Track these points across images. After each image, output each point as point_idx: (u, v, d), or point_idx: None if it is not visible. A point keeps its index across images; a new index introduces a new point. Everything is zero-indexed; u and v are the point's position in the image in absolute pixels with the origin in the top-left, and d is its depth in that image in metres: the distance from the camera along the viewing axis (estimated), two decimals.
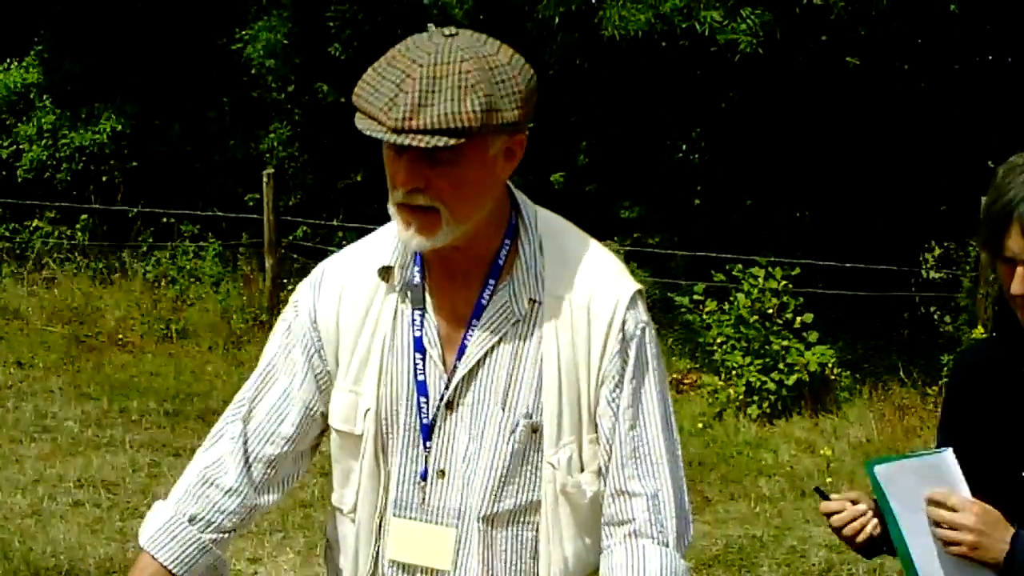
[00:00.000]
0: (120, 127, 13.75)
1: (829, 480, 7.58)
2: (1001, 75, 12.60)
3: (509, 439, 2.16)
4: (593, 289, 2.18)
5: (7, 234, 13.18)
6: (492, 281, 2.18)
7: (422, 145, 1.98)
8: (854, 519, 2.49)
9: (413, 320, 2.20)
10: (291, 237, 12.04)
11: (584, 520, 2.20)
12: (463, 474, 2.18)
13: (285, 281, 11.31)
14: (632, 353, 2.17)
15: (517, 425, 2.16)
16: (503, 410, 2.16)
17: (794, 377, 8.72)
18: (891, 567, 6.30)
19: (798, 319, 8.93)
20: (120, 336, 10.54)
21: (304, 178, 13.70)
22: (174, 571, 2.25)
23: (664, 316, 11.20)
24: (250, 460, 2.32)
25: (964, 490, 2.36)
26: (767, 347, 8.81)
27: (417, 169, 2.04)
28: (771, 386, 8.71)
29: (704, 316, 9.23)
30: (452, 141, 1.99)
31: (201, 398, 9.04)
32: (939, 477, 2.36)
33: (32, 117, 14.11)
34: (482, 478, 2.17)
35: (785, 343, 8.81)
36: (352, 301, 2.24)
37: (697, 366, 9.73)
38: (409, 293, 2.21)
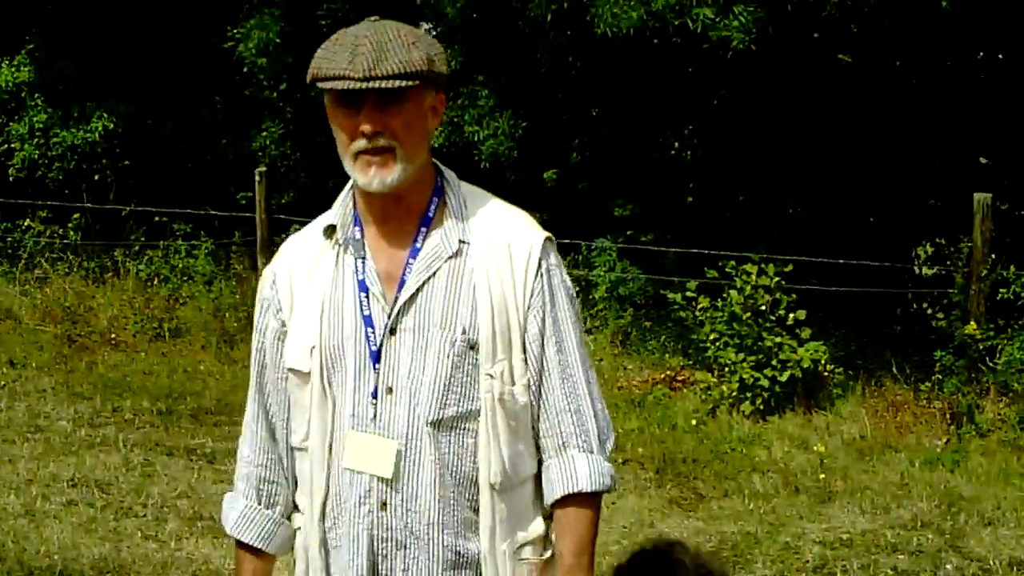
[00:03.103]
0: (112, 126, 13.73)
1: (822, 476, 7.59)
2: (993, 72, 12.62)
3: (449, 353, 2.54)
4: (511, 235, 2.60)
5: None
6: (424, 229, 2.59)
7: (389, 86, 2.45)
8: None
9: (356, 268, 2.59)
10: (284, 235, 12.00)
11: (518, 427, 2.57)
12: (409, 388, 2.54)
13: None
14: (550, 289, 2.60)
15: (456, 341, 2.54)
16: (441, 329, 2.54)
17: (787, 373, 8.73)
18: (885, 563, 6.31)
19: (791, 316, 8.93)
20: (113, 335, 10.53)
21: (296, 177, 13.69)
22: (260, 547, 2.72)
23: (657, 313, 11.21)
24: (275, 442, 2.73)
25: None
26: (760, 344, 8.81)
27: (376, 116, 2.49)
28: (764, 383, 8.72)
29: (697, 313, 9.24)
30: (410, 83, 2.47)
31: (194, 397, 9.04)
32: None
33: (24, 116, 14.08)
34: (428, 388, 2.54)
35: (778, 339, 8.82)
36: (301, 261, 2.65)
37: (690, 363, 9.74)
38: (351, 246, 2.60)
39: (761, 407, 8.74)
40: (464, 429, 2.55)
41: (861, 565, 6.27)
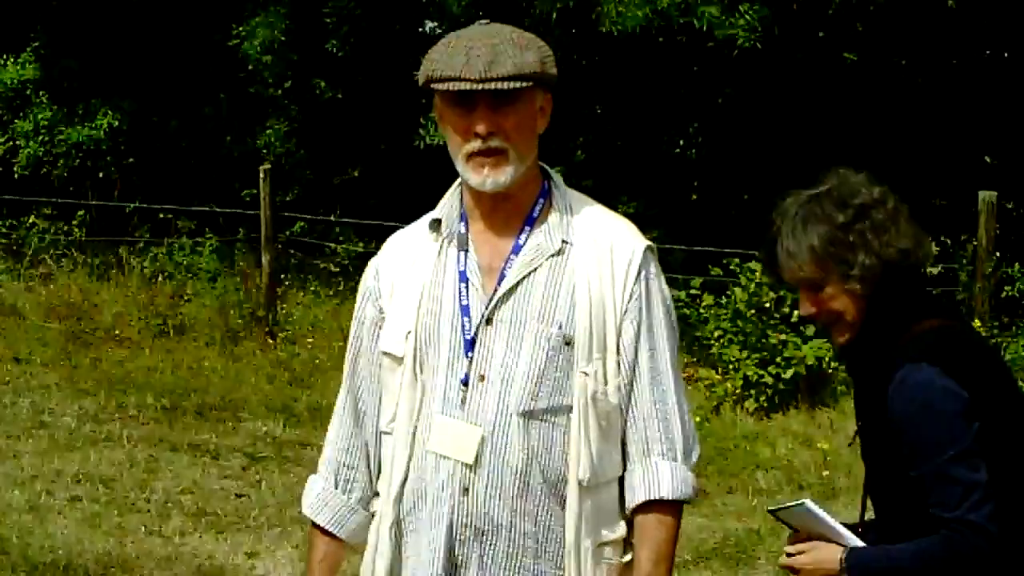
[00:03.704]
0: (117, 123, 13.75)
1: (826, 473, 7.59)
2: (998, 70, 12.60)
3: (544, 346, 2.58)
4: (613, 239, 2.66)
5: (4, 230, 13.17)
6: (528, 228, 2.64)
7: (504, 88, 2.51)
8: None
9: (458, 259, 2.65)
10: (288, 232, 12.03)
11: (608, 427, 2.60)
12: (501, 377, 2.59)
13: (282, 276, 11.30)
14: (647, 296, 2.64)
15: (551, 336, 2.58)
16: (539, 323, 2.59)
17: (791, 371, 8.72)
18: None
19: (795, 313, 8.92)
20: (117, 332, 10.54)
21: (301, 173, 13.70)
22: (332, 531, 2.76)
23: None
24: (361, 429, 2.77)
25: (837, 527, 2.75)
26: (764, 341, 8.81)
27: (490, 117, 2.54)
28: (768, 380, 8.71)
29: (701, 310, 9.23)
30: (523, 84, 2.53)
31: (198, 393, 9.04)
32: (816, 519, 2.76)
33: (29, 113, 14.11)
34: (521, 379, 2.58)
35: (782, 337, 8.81)
36: (404, 253, 2.72)
37: (694, 360, 9.73)
38: (455, 239, 2.66)
39: (765, 404, 8.74)
40: (552, 423, 2.58)
41: None
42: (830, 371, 8.98)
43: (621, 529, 2.64)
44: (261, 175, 11.16)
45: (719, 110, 12.66)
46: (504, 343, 2.59)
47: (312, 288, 11.52)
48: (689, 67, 12.25)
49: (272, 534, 6.45)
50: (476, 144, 2.55)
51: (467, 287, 2.63)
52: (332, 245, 11.91)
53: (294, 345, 10.13)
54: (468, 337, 2.61)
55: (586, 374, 2.58)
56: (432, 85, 2.56)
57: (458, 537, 2.59)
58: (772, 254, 2.80)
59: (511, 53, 2.53)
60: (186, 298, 11.18)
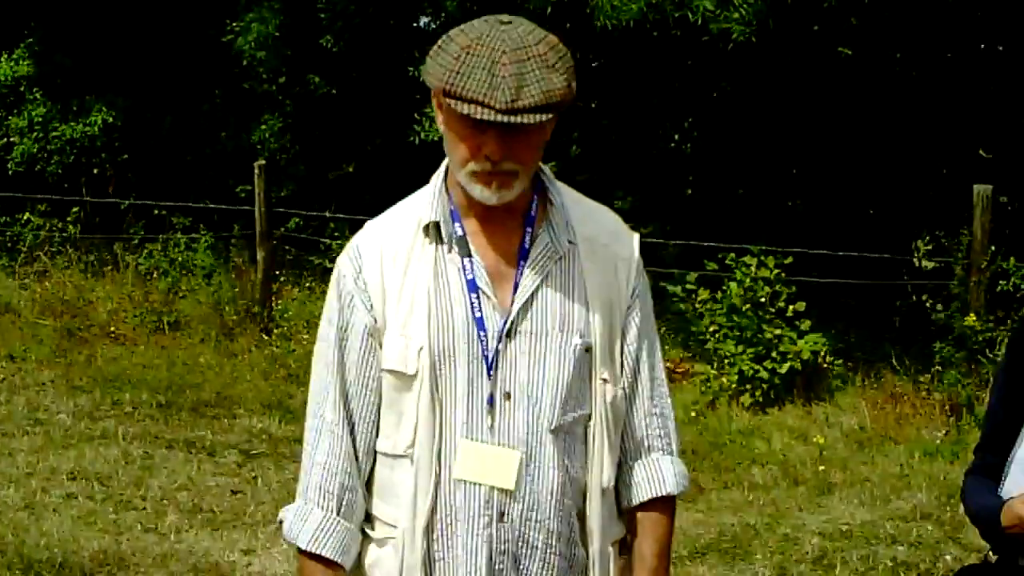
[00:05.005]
0: (111, 119, 13.72)
1: (821, 468, 7.59)
2: (993, 64, 12.60)
3: (570, 358, 2.46)
4: (612, 234, 2.57)
5: None
6: (529, 228, 2.49)
7: (531, 122, 2.29)
8: None
9: (463, 267, 2.46)
10: (283, 228, 12.02)
11: (617, 430, 2.54)
12: (528, 393, 2.45)
13: (277, 273, 11.29)
14: (642, 289, 2.57)
15: (575, 345, 2.46)
16: (561, 333, 2.46)
17: (787, 365, 8.72)
18: (884, 554, 6.32)
19: (791, 308, 8.92)
20: (112, 328, 10.53)
21: (296, 169, 13.68)
22: (337, 560, 2.51)
23: (657, 305, 11.20)
24: (355, 448, 2.53)
25: None
26: (760, 336, 8.81)
27: (505, 141, 2.34)
28: (764, 375, 8.71)
29: (697, 305, 9.23)
30: (550, 116, 2.32)
31: (194, 390, 9.04)
32: None
33: (23, 110, 14.07)
34: (551, 394, 2.45)
35: (778, 332, 8.81)
36: (392, 257, 2.48)
37: (690, 355, 9.74)
38: (455, 244, 2.47)
39: (760, 399, 8.74)
40: (575, 434, 2.49)
41: (860, 556, 6.27)
42: (825, 365, 8.99)
43: (623, 528, 2.60)
44: (256, 171, 11.14)
45: (714, 104, 12.65)
46: (527, 357, 2.44)
47: (307, 284, 11.51)
48: (684, 61, 12.24)
49: (268, 531, 6.44)
50: (486, 166, 2.36)
51: (478, 297, 2.44)
52: (327, 241, 11.90)
53: (289, 341, 10.12)
54: (487, 352, 2.43)
55: (606, 380, 2.50)
56: (449, 100, 2.32)
57: (497, 564, 2.46)
58: None
59: (539, 76, 2.30)
60: (181, 294, 11.17)
